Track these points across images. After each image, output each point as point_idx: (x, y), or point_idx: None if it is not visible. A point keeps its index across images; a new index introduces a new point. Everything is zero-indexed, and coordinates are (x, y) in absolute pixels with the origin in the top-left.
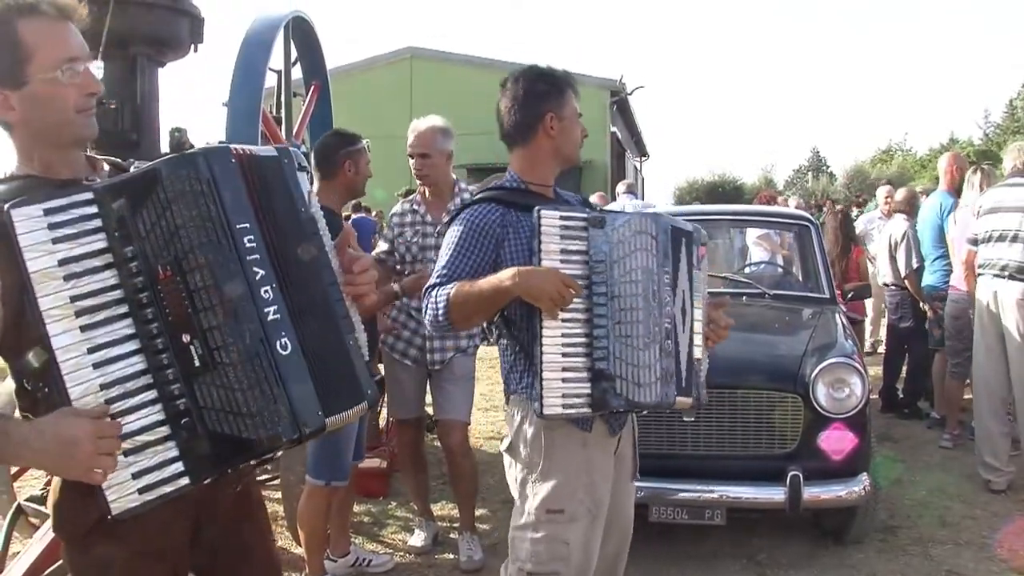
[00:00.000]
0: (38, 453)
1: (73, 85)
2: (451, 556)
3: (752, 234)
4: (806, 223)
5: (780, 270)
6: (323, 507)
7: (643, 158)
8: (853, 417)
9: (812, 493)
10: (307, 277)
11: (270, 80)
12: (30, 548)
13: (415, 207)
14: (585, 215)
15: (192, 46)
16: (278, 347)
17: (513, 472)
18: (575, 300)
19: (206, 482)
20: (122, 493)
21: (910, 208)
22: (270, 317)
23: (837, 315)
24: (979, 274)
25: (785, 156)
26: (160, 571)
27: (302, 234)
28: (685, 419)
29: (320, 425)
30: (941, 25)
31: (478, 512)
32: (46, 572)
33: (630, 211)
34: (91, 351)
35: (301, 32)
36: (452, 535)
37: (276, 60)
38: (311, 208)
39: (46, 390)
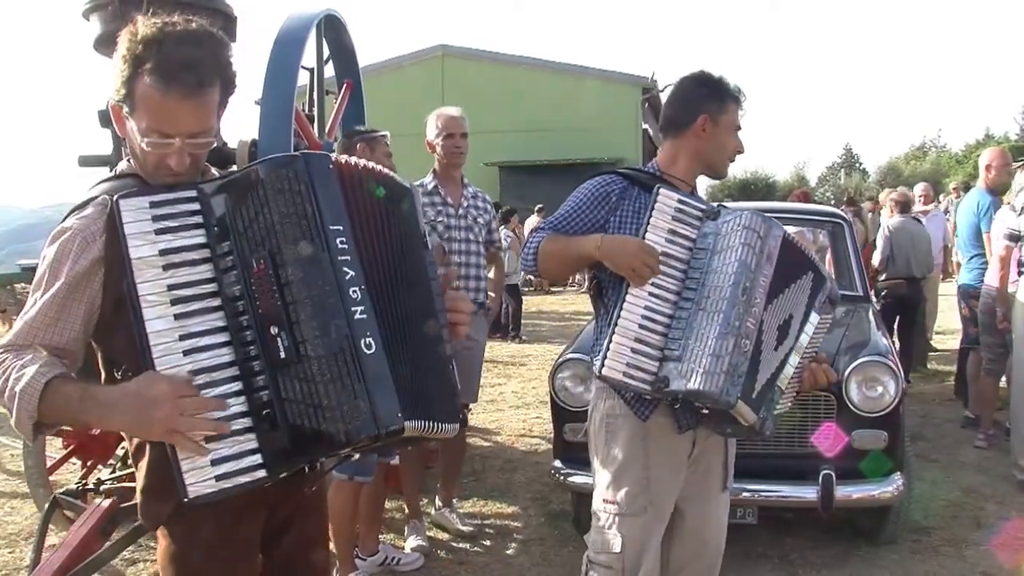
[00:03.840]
0: (123, 413)
1: (152, 153)
2: (484, 556)
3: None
4: (839, 220)
5: None
6: (349, 502)
7: None
8: (886, 416)
9: (845, 492)
10: (395, 285)
11: (302, 78)
12: (66, 541)
13: (438, 188)
14: (704, 207)
15: None
16: (362, 345)
17: (592, 460)
18: (668, 280)
19: (282, 476)
20: (200, 478)
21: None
22: (356, 316)
23: (870, 313)
24: (1021, 271)
25: (818, 153)
26: (234, 559)
27: (396, 241)
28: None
29: (398, 427)
30: (977, 19)
31: (509, 509)
32: (80, 565)
33: (748, 208)
34: (182, 338)
35: (333, 30)
36: (488, 530)
37: (308, 58)
38: (425, 238)
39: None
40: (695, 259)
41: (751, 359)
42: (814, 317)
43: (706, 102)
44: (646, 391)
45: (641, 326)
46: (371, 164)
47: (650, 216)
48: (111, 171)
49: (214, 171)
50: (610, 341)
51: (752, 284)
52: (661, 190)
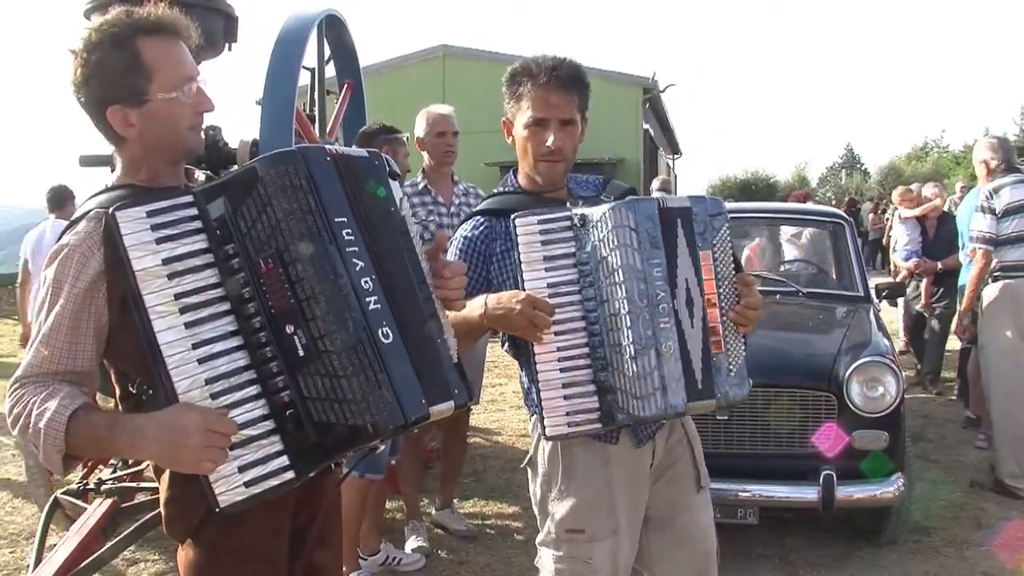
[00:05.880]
0: (151, 442)
1: (189, 104)
2: (484, 556)
3: (786, 232)
4: (840, 221)
5: (814, 268)
6: (358, 499)
7: (676, 156)
8: (887, 416)
9: (846, 492)
10: (401, 274)
11: (303, 78)
12: (66, 541)
13: (428, 187)
14: (569, 214)
15: (227, 45)
16: (380, 335)
17: (533, 487)
18: (567, 310)
19: (311, 475)
20: (229, 486)
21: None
22: (371, 307)
23: (871, 313)
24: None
25: (819, 153)
26: (260, 569)
27: (395, 233)
28: (718, 417)
29: (424, 414)
30: (978, 20)
31: (509, 509)
32: (82, 565)
33: (610, 203)
34: (195, 347)
35: (334, 30)
36: (489, 531)
37: (309, 58)
38: (402, 210)
39: (150, 392)
40: (584, 277)
41: (681, 356)
42: (702, 254)
43: (506, 100)
44: (599, 430)
45: (563, 369)
46: (343, 149)
47: (518, 254)
48: (112, 171)
49: (199, 175)
50: (540, 401)
51: (648, 283)
52: (516, 220)
